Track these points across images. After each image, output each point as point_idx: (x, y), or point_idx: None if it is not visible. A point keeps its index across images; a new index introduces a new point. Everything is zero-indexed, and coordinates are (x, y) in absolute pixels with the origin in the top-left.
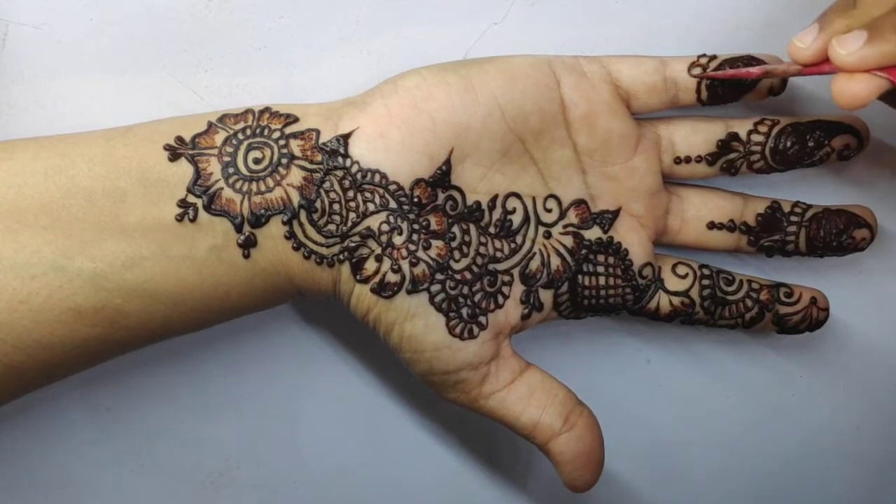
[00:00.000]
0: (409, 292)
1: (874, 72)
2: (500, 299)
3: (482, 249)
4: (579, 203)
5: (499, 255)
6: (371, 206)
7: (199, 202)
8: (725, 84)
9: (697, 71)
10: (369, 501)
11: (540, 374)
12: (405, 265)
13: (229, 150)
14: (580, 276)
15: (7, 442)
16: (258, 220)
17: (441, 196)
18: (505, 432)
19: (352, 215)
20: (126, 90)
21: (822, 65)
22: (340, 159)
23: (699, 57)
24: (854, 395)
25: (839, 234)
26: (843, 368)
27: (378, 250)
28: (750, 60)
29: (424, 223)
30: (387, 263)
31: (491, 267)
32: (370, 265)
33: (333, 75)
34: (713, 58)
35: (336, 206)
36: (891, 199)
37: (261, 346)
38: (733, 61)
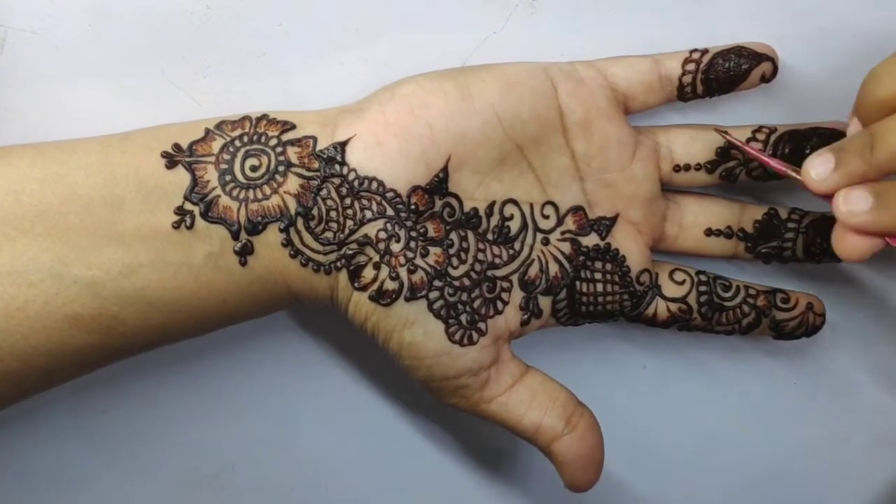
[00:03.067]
0: (407, 299)
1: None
2: (500, 305)
3: (480, 256)
4: (577, 210)
5: (497, 261)
6: (368, 214)
7: (196, 209)
8: (720, 77)
9: (691, 66)
10: None
11: (541, 376)
12: (403, 272)
13: (226, 157)
14: (578, 283)
15: (3, 443)
16: (255, 228)
17: (438, 203)
18: (501, 435)
19: (349, 223)
20: (124, 96)
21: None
22: (337, 167)
23: (691, 52)
24: (848, 400)
25: None
26: (837, 373)
27: (376, 258)
28: (740, 51)
29: (422, 230)
30: (385, 271)
31: (490, 273)
32: (368, 273)
33: (332, 83)
34: (705, 52)
35: (333, 214)
36: None
37: (257, 350)
38: (724, 54)
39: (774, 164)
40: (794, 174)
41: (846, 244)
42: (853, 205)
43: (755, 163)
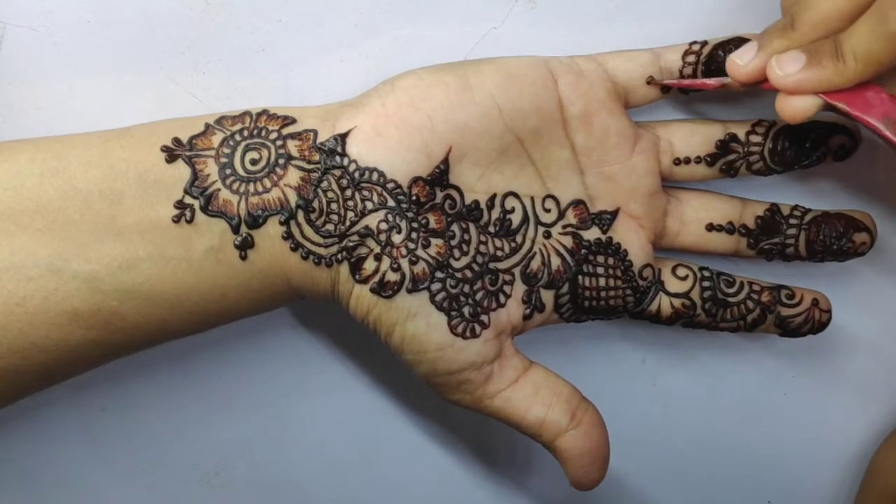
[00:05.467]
0: (409, 291)
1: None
2: (502, 298)
3: (482, 248)
4: (577, 203)
5: (499, 253)
6: (369, 205)
7: (196, 203)
8: (720, 68)
9: (692, 58)
10: (365, 502)
11: (544, 371)
12: (405, 264)
13: (226, 151)
14: (580, 277)
15: (2, 442)
16: (255, 221)
17: (439, 195)
18: (501, 433)
19: (350, 214)
20: (123, 92)
21: (763, 83)
22: (338, 158)
23: (691, 44)
24: (846, 395)
25: (839, 238)
26: (835, 369)
27: (377, 249)
28: (739, 42)
29: (423, 221)
30: (386, 262)
31: (492, 266)
32: (369, 265)
33: (332, 78)
34: (704, 43)
35: (334, 206)
36: (881, 207)
37: (256, 347)
38: (724, 45)
39: (711, 82)
40: (729, 79)
41: (786, 106)
42: (786, 66)
43: (755, 156)
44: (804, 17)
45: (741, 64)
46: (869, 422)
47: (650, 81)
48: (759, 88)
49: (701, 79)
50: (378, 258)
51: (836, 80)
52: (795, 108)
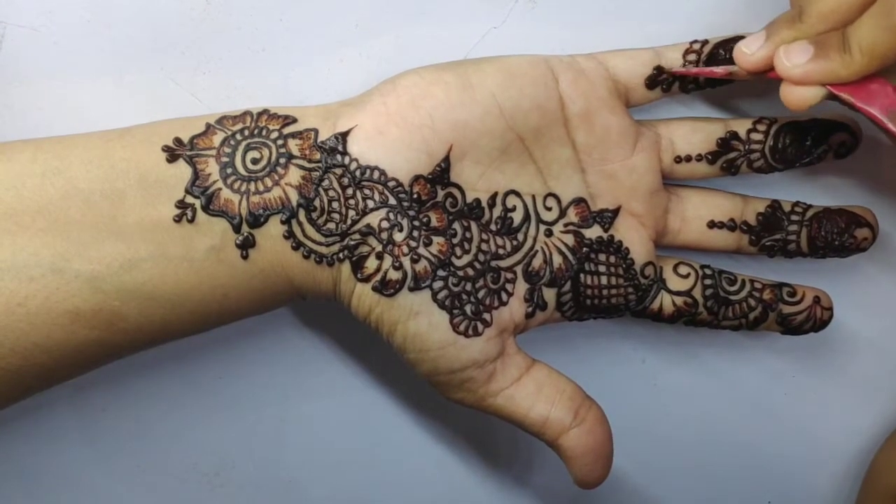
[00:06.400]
0: (411, 290)
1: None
2: (504, 296)
3: (484, 246)
4: (579, 202)
5: (501, 252)
6: (370, 203)
7: (198, 203)
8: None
9: (692, 57)
10: (365, 502)
11: (546, 369)
12: (406, 262)
13: (227, 150)
14: (582, 276)
15: (2, 442)
16: (256, 220)
17: (441, 193)
18: (504, 432)
19: (351, 213)
20: (124, 92)
21: (769, 72)
22: (339, 157)
23: (692, 43)
24: (848, 394)
25: (840, 234)
26: (837, 368)
27: (378, 248)
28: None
29: (425, 220)
30: (388, 261)
31: (494, 264)
32: (371, 263)
33: (332, 78)
34: (705, 42)
35: (335, 205)
36: (883, 203)
37: (256, 347)
38: (725, 44)
39: (719, 70)
40: (737, 68)
41: (791, 94)
42: (793, 57)
43: (756, 154)
44: (812, 9)
45: (748, 53)
46: (870, 421)
47: (660, 71)
48: (765, 78)
49: (709, 67)
50: (379, 257)
51: (842, 73)
52: (800, 97)
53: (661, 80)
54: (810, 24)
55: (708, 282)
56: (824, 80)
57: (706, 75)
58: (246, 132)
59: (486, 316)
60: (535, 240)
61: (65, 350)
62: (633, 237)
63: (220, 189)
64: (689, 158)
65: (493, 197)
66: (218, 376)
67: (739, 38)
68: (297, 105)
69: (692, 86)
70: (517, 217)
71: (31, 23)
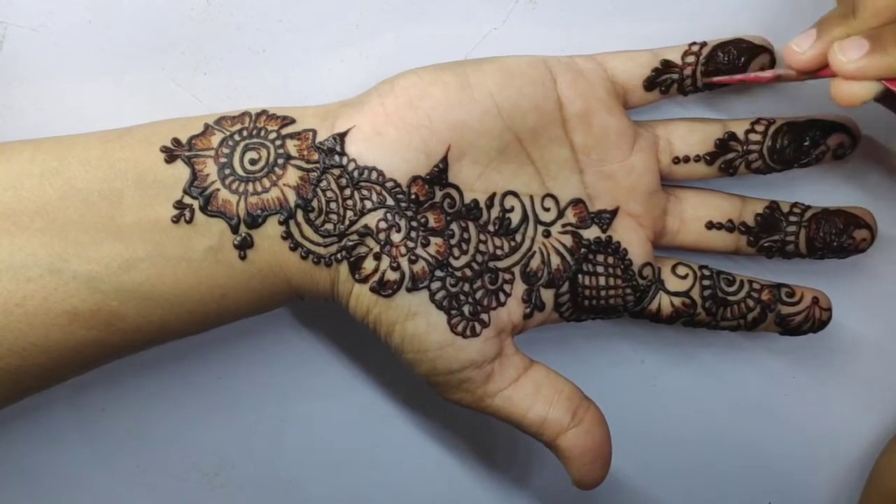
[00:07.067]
0: (409, 290)
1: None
2: (502, 297)
3: (482, 247)
4: (577, 202)
5: (499, 252)
6: (368, 204)
7: (196, 203)
8: (720, 69)
9: (691, 59)
10: (365, 502)
11: (545, 370)
12: (404, 262)
13: (226, 151)
14: (580, 276)
15: (2, 442)
16: (254, 221)
17: (439, 194)
18: (502, 432)
19: (349, 213)
20: (124, 92)
21: (820, 70)
22: (337, 157)
23: (690, 45)
24: (848, 395)
25: (839, 234)
26: (837, 368)
27: (376, 248)
28: (740, 44)
29: (423, 220)
30: (385, 261)
31: (491, 265)
32: (369, 264)
33: (332, 79)
34: (703, 44)
35: (333, 205)
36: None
37: (255, 347)
38: (724, 46)
39: (766, 74)
40: (784, 70)
41: (844, 91)
42: (849, 52)
43: (755, 154)
44: (867, 4)
45: (800, 51)
46: (871, 422)
47: (659, 73)
48: (814, 76)
49: (755, 73)
50: (377, 257)
51: None
52: (853, 93)
53: (659, 82)
54: (864, 20)
55: (706, 282)
56: (881, 74)
57: (751, 81)
58: (244, 133)
59: (484, 317)
60: (533, 240)
61: (63, 350)
62: (632, 238)
63: (218, 190)
64: (687, 159)
65: (492, 197)
66: (217, 376)
67: (738, 40)
68: (298, 105)
69: (691, 88)
70: (515, 218)
71: (31, 23)
